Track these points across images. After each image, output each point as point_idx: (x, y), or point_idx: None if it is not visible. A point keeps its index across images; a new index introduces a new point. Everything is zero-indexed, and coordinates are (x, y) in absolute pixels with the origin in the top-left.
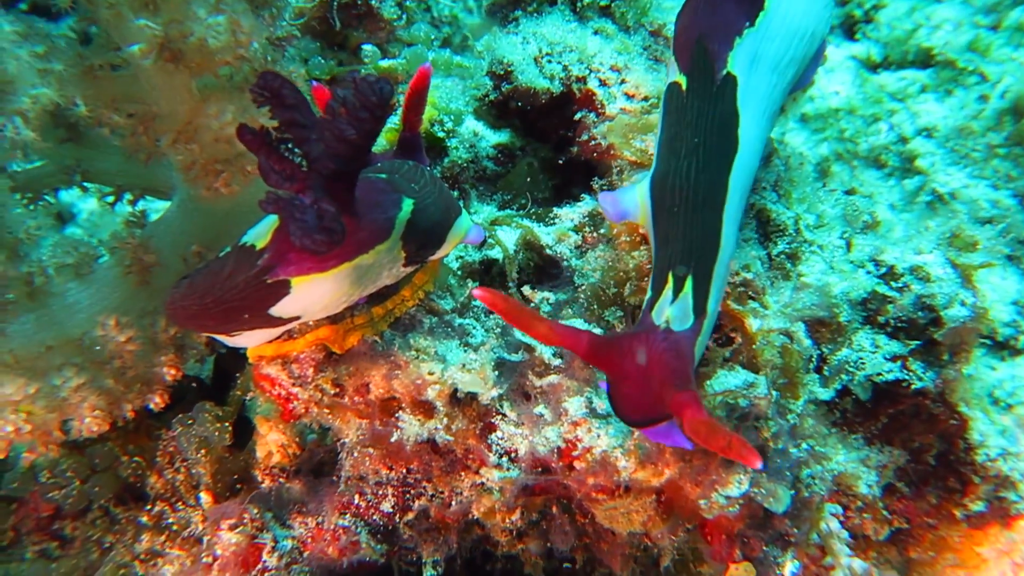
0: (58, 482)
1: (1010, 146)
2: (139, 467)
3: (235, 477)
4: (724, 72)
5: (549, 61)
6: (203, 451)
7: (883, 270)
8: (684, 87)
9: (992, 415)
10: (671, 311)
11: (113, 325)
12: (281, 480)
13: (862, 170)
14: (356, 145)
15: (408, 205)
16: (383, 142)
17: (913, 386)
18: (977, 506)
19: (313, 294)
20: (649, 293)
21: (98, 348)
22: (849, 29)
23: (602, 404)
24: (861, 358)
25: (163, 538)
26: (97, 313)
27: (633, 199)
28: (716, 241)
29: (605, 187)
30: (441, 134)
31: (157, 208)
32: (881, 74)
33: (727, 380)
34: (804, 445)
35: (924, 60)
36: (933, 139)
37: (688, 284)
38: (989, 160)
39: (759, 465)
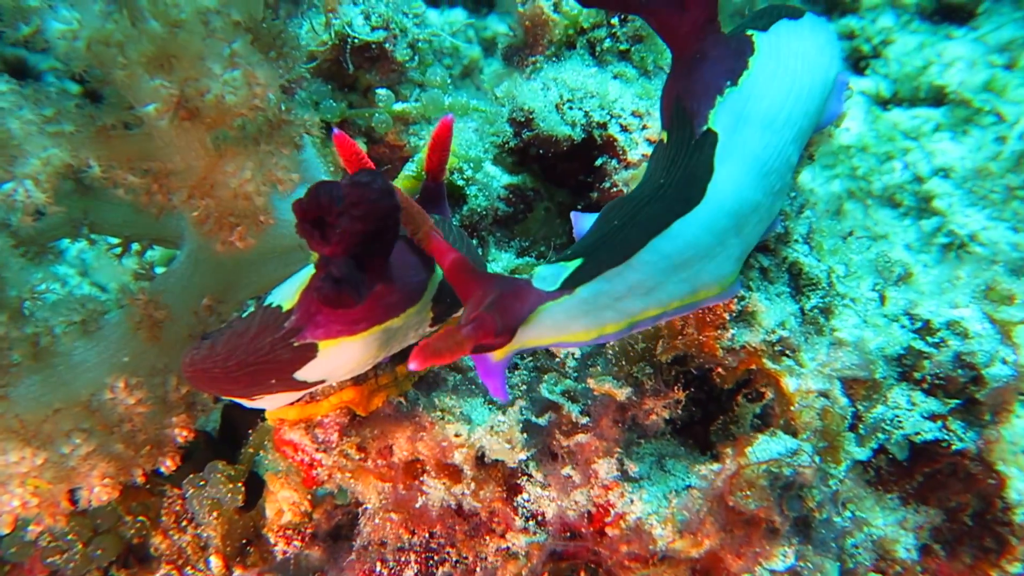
0: (59, 546)
1: None
2: (143, 527)
3: (245, 540)
4: (704, 128)
5: (570, 107)
6: (215, 513)
7: (918, 324)
8: (665, 140)
9: None
10: (542, 269)
11: (123, 387)
12: (297, 543)
13: (876, 209)
14: (371, 232)
15: (440, 268)
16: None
17: (953, 447)
18: (1015, 568)
19: (340, 358)
20: None
21: (107, 412)
22: (856, 63)
23: (634, 467)
24: (897, 416)
25: None
26: (105, 372)
27: (592, 219)
28: (625, 255)
29: None
30: (460, 182)
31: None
32: (893, 111)
33: (770, 447)
34: (847, 513)
35: (937, 98)
36: (950, 179)
37: (574, 262)
38: (1008, 202)
39: (411, 366)
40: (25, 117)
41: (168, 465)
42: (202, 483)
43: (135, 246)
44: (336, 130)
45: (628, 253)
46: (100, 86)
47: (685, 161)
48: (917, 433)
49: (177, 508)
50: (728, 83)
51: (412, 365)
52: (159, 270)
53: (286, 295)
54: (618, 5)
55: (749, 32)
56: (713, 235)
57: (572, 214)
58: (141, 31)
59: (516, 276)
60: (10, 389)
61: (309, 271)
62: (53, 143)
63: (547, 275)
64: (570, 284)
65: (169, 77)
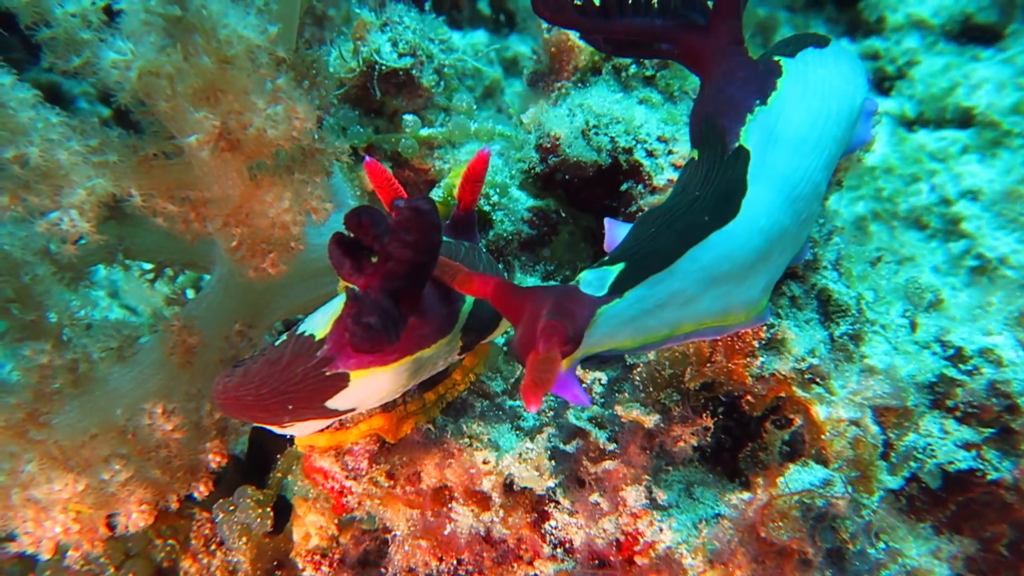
0: (92, 569)
1: None
2: (173, 551)
3: (274, 563)
4: (736, 144)
5: (596, 133)
6: (244, 538)
7: (950, 352)
8: (696, 158)
9: None
10: (587, 274)
11: (160, 413)
12: (325, 569)
13: (902, 231)
14: (416, 263)
15: (470, 298)
16: None
17: (988, 476)
18: None
19: (371, 387)
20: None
21: (144, 437)
22: (880, 84)
23: (662, 494)
24: (930, 444)
25: None
26: (140, 398)
27: (626, 228)
28: (666, 261)
29: None
30: (487, 207)
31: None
32: (919, 132)
33: (802, 478)
34: (881, 544)
35: (964, 119)
36: (978, 202)
37: (617, 266)
38: None
39: (532, 410)
40: (72, 148)
41: (202, 490)
42: (232, 508)
43: (167, 271)
44: (368, 158)
45: (669, 260)
46: (142, 116)
47: (719, 176)
48: (951, 462)
49: (206, 532)
50: (758, 102)
51: (532, 409)
52: (190, 294)
53: (319, 324)
54: (643, 37)
55: (776, 58)
56: (747, 251)
57: (606, 220)
58: (192, 65)
59: (556, 285)
60: (52, 416)
61: (341, 300)
62: (98, 173)
63: (593, 279)
64: (617, 288)
65: (213, 110)
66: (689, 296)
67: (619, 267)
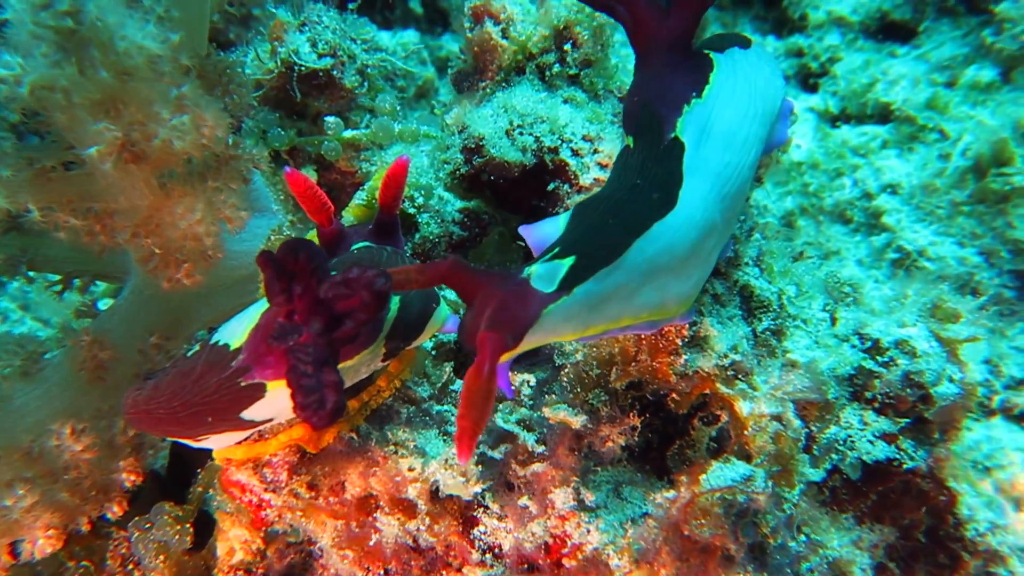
0: None
1: (973, 204)
2: (87, 572)
3: None
4: (672, 135)
5: (521, 133)
6: (162, 557)
7: (868, 344)
8: (631, 145)
9: (978, 486)
10: (538, 267)
11: (69, 434)
12: None
13: (828, 225)
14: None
15: (395, 304)
16: (351, 218)
17: (905, 465)
18: None
19: (289, 397)
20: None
21: (51, 458)
22: (804, 80)
23: (591, 495)
24: (850, 436)
25: None
26: (47, 416)
27: (555, 222)
28: (614, 254)
29: None
30: (412, 210)
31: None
32: (842, 128)
33: (724, 474)
34: (802, 537)
35: (883, 114)
36: (898, 196)
37: (567, 260)
38: (954, 218)
39: (463, 462)
40: None
41: (115, 511)
42: (148, 525)
43: (76, 282)
44: (287, 168)
45: (616, 253)
46: (39, 126)
47: (655, 166)
48: (870, 453)
49: (123, 551)
50: (694, 94)
51: (463, 460)
52: (103, 304)
53: (234, 333)
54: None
55: (706, 52)
56: (684, 244)
57: (521, 228)
58: (90, 79)
59: (509, 273)
60: None
61: (257, 308)
62: None
63: (544, 273)
64: (567, 284)
65: (114, 121)
66: (632, 289)
67: (569, 261)
